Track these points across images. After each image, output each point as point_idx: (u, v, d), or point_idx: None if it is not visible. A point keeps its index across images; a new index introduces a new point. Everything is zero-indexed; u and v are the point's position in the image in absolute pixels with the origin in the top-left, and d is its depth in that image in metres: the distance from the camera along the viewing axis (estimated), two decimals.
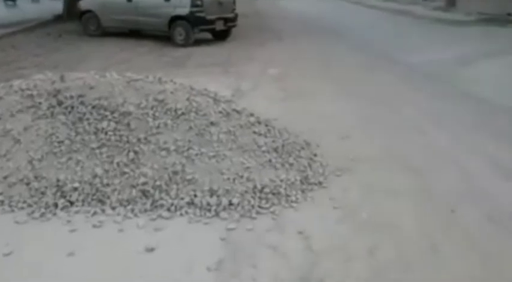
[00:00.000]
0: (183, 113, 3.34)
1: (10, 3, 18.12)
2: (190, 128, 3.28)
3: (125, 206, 2.90)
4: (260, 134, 3.55)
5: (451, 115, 4.99)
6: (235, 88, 6.16)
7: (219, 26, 10.14)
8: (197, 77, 6.69)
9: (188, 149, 3.16)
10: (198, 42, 10.01)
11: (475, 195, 3.18)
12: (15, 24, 12.10)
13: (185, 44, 9.68)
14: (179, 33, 9.79)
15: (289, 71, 7.32)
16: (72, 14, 11.98)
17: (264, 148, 3.43)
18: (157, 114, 3.30)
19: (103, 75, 3.63)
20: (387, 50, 9.27)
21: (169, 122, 3.27)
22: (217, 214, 2.87)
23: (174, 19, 9.73)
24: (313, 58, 8.55)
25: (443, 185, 3.34)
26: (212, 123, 3.37)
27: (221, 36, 10.65)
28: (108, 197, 2.94)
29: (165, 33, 10.14)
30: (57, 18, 13.79)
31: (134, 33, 10.91)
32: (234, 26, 10.74)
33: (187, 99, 3.46)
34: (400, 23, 14.88)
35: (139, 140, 3.16)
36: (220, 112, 3.52)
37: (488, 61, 7.96)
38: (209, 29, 10.09)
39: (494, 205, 3.04)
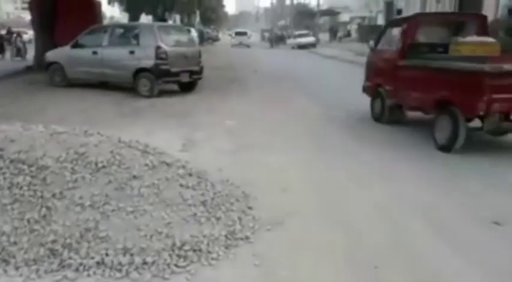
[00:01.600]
0: (103, 166, 3.24)
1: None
2: (110, 181, 3.18)
3: (30, 266, 2.72)
4: (188, 187, 3.47)
5: (397, 167, 4.99)
6: (188, 139, 6.13)
7: (184, 78, 10.27)
8: (152, 128, 6.68)
9: (104, 204, 3.04)
10: (163, 93, 10.08)
11: (403, 254, 3.09)
12: None
13: (150, 95, 9.73)
14: (144, 84, 9.86)
15: (246, 123, 7.35)
16: (42, 65, 12.03)
17: (189, 201, 3.33)
18: (76, 168, 3.20)
19: (28, 128, 3.55)
20: (346, 100, 9.43)
21: (87, 176, 3.16)
22: (127, 274, 2.71)
23: (139, 71, 9.82)
24: (273, 111, 8.61)
25: (371, 240, 3.25)
26: (135, 177, 3.28)
27: (187, 87, 10.76)
28: (14, 257, 2.77)
29: (130, 85, 10.20)
30: (28, 69, 13.85)
31: (100, 84, 10.95)
32: (199, 78, 10.88)
33: (111, 152, 3.39)
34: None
35: (54, 195, 3.04)
36: (146, 165, 3.44)
37: None
38: (174, 81, 10.21)
39: (421, 267, 2.94)
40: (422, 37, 6.89)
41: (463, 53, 6.08)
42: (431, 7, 25.03)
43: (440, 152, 5.50)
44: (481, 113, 5.04)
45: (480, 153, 5.48)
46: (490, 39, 6.52)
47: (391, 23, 8.39)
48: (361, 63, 18.72)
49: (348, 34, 42.84)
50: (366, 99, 7.88)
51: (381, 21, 38.09)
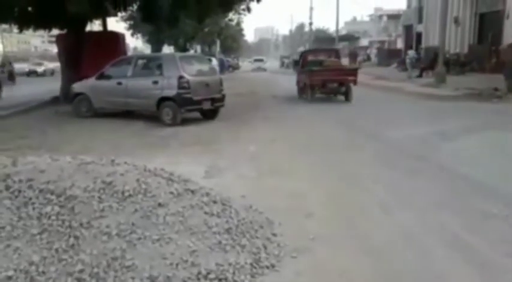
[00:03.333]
0: (130, 195, 3.29)
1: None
2: (136, 210, 3.21)
3: None
4: (212, 214, 3.47)
5: (420, 193, 4.89)
6: (211, 166, 6.16)
7: (206, 105, 10.41)
8: (176, 156, 6.76)
9: (131, 233, 3.06)
10: (187, 121, 10.22)
11: (430, 279, 3.00)
12: (12, 106, 12.51)
13: (172, 124, 9.88)
14: (167, 113, 10.03)
15: (269, 149, 7.37)
16: (68, 96, 12.40)
17: (214, 229, 3.33)
18: (103, 197, 3.25)
19: (55, 158, 3.64)
20: (369, 126, 9.38)
21: (114, 204, 3.20)
22: None
23: (162, 100, 10.02)
24: (295, 136, 8.64)
25: (398, 267, 3.18)
26: (160, 205, 3.31)
27: (209, 115, 10.90)
28: None
29: (154, 114, 10.39)
30: (54, 100, 14.28)
31: (125, 113, 11.19)
32: (221, 106, 11.01)
33: (137, 180, 3.43)
34: (388, 99, 15.23)
35: (81, 224, 3.08)
36: (171, 193, 3.47)
37: (468, 136, 8.02)
38: (196, 109, 10.36)
39: None
40: (310, 58, 16.47)
41: (327, 65, 14.98)
42: (451, 30, 25.02)
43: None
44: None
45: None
46: (336, 60, 16.42)
47: (302, 53, 19.89)
48: (380, 86, 18.93)
49: (368, 58, 42.94)
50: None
51: (400, 44, 38.18)
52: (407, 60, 23.05)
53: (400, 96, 15.98)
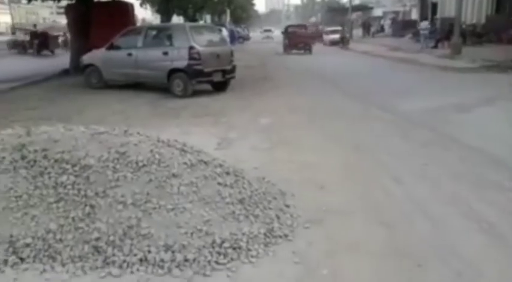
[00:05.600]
0: (144, 165, 3.29)
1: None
2: (150, 180, 3.22)
3: (76, 263, 2.80)
4: (226, 185, 3.48)
5: (434, 164, 4.85)
6: (223, 137, 6.16)
7: (217, 77, 10.32)
8: (187, 127, 6.77)
9: (146, 202, 3.08)
10: (197, 93, 10.16)
11: (445, 249, 3.00)
12: (22, 79, 12.53)
13: (183, 95, 9.83)
14: (177, 85, 9.97)
15: (280, 120, 7.32)
16: (78, 68, 12.38)
17: (228, 199, 3.34)
18: (117, 166, 3.26)
19: (69, 128, 3.65)
20: (384, 98, 9.25)
21: (129, 174, 3.22)
22: (169, 271, 2.75)
23: (173, 72, 9.94)
24: (307, 107, 8.57)
25: (413, 239, 3.18)
26: (174, 175, 3.31)
27: (220, 87, 10.82)
28: (60, 254, 2.85)
29: (164, 85, 10.35)
30: (64, 72, 14.27)
31: (135, 85, 11.16)
32: (232, 78, 10.91)
33: (151, 151, 3.43)
34: (403, 71, 14.98)
35: (97, 193, 3.11)
36: (184, 163, 3.47)
37: (484, 108, 7.89)
38: (207, 81, 10.27)
39: (465, 261, 2.85)
40: (290, 30, 28.16)
41: (298, 33, 27.17)
42: (468, 0, 24.30)
43: None
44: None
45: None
46: (304, 31, 28.96)
47: (286, 27, 29.50)
48: (394, 58, 18.62)
49: (382, 29, 42.04)
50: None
51: (414, 15, 37.25)
52: (421, 32, 22.55)
53: (415, 67, 15.69)
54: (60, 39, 26.93)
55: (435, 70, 14.35)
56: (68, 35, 20.41)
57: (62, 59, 17.72)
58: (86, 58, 11.39)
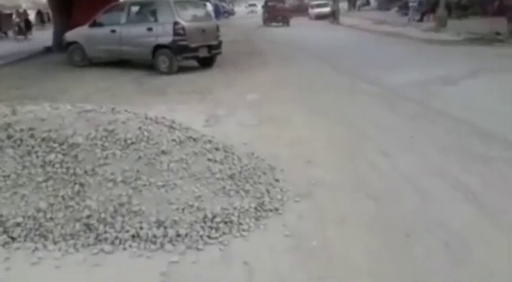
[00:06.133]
0: (132, 143, 3.28)
1: (21, 37, 18.37)
2: (140, 157, 3.21)
3: (67, 241, 2.81)
4: (215, 161, 3.48)
5: (421, 137, 4.91)
6: (210, 114, 6.13)
7: (203, 53, 10.21)
8: (174, 104, 6.71)
9: (136, 180, 3.08)
10: (183, 70, 10.06)
11: (433, 220, 3.07)
12: (4, 57, 12.24)
13: (169, 72, 9.72)
14: (163, 61, 9.84)
15: (267, 96, 7.30)
16: (61, 45, 12.11)
17: (218, 175, 3.35)
18: (106, 144, 3.24)
19: (55, 107, 3.59)
20: (371, 72, 9.25)
21: (117, 152, 3.20)
22: (162, 246, 2.77)
23: (157, 48, 9.79)
24: (294, 83, 8.55)
25: (400, 211, 3.24)
26: (163, 152, 3.31)
27: (206, 63, 10.71)
28: (51, 232, 2.85)
29: (149, 62, 10.20)
30: (47, 50, 13.96)
31: (120, 62, 10.99)
32: (218, 53, 10.79)
33: (139, 128, 3.41)
34: (389, 44, 14.97)
35: (86, 171, 3.09)
36: (173, 140, 3.46)
37: (469, 80, 7.95)
38: (192, 56, 10.14)
39: (452, 232, 2.92)
40: (269, 4, 29.69)
41: (276, 7, 29.28)
42: None
43: None
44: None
45: None
46: (281, 5, 30.13)
47: (265, 1, 30.40)
48: (380, 31, 18.56)
49: (367, 2, 41.71)
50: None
51: None
52: (410, 4, 22.42)
53: (402, 40, 15.71)
54: (17, 20, 22.27)
55: (421, 43, 14.37)
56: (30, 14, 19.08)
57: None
58: (69, 35, 11.15)
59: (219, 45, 10.67)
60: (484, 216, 3.14)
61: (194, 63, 10.66)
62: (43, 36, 17.51)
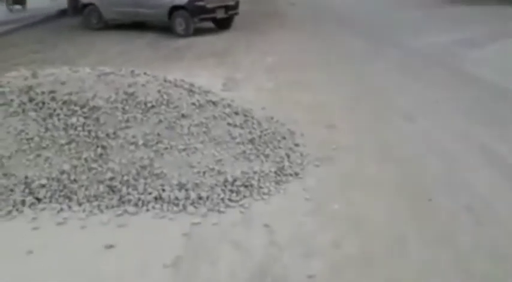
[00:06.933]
0: (153, 106, 3.28)
1: (18, 7, 17.05)
2: (160, 121, 3.22)
3: (92, 202, 2.86)
4: (235, 125, 3.47)
5: (446, 102, 4.80)
6: (228, 78, 6.07)
7: (220, 14, 9.98)
8: (192, 68, 6.65)
9: (157, 143, 3.10)
10: (200, 32, 9.89)
11: (456, 184, 3.04)
12: (18, 21, 12.17)
13: (185, 35, 9.57)
14: (179, 23, 9.67)
15: (285, 60, 7.17)
16: (76, 8, 11.97)
17: (238, 140, 3.35)
18: (126, 107, 3.24)
19: (75, 70, 3.58)
20: (390, 34, 8.99)
21: (138, 115, 3.21)
22: (184, 208, 2.81)
23: (174, 9, 9.61)
24: (312, 46, 8.37)
25: (423, 175, 3.21)
26: (183, 116, 3.30)
27: (223, 25, 10.49)
28: (75, 193, 2.91)
29: (165, 24, 10.04)
30: (62, 13, 13.83)
31: (136, 25, 10.86)
32: (235, 14, 10.55)
33: (159, 91, 3.40)
34: (408, 5, 14.44)
35: (107, 134, 3.11)
36: (193, 104, 3.44)
37: (495, 43, 7.67)
38: (210, 17, 9.94)
39: (474, 194, 2.89)
40: None
41: None
42: None
43: None
44: None
45: None
46: None
47: None
48: None
49: None
50: None
51: None
52: None
53: (422, 1, 15.13)
54: None
55: (444, 3, 13.83)
56: None
57: None
58: None
59: (236, 6, 10.42)
60: (508, 179, 3.09)
61: (210, 24, 10.47)
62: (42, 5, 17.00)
